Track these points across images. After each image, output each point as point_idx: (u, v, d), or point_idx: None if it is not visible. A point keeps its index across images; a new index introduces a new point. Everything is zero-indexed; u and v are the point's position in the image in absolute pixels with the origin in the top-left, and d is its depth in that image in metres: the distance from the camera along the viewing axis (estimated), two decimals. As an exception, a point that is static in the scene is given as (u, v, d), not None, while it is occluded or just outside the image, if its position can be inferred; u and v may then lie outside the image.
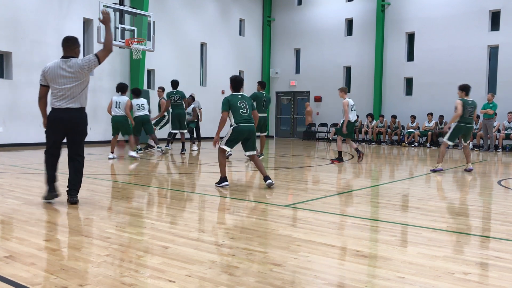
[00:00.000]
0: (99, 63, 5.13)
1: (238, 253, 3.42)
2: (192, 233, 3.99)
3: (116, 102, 10.39)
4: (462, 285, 2.83)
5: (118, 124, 10.43)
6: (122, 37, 13.88)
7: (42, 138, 14.03)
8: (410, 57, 19.19)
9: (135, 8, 14.87)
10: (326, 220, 4.65)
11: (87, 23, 15.34)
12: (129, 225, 4.30)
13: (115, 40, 13.74)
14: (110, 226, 4.22)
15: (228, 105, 6.62)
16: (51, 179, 5.21)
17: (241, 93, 6.90)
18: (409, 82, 19.26)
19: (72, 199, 5.13)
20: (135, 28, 14.37)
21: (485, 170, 9.92)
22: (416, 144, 17.48)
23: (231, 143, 6.75)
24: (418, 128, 17.85)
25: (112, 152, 10.57)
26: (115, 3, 13.97)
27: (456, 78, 17.64)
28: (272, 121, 23.46)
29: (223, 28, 20.63)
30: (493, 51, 17.26)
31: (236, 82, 6.93)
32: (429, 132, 17.20)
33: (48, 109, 5.23)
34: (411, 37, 19.14)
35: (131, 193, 6.25)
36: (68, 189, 5.19)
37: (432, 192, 6.64)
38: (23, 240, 3.67)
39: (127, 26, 14.20)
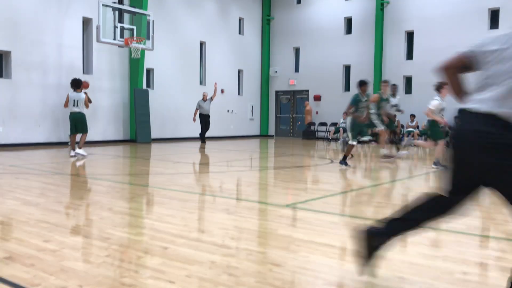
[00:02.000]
0: None
1: (238, 253, 3.41)
2: (192, 234, 3.98)
3: (74, 100, 10.36)
4: (462, 285, 2.83)
5: (77, 121, 10.39)
6: (121, 36, 13.87)
7: (42, 138, 13.88)
8: (410, 56, 19.18)
9: (134, 7, 14.87)
10: (326, 220, 4.65)
11: (86, 22, 15.31)
12: (129, 226, 4.30)
13: (114, 39, 13.74)
14: (110, 226, 4.21)
15: None
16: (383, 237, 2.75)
17: None
18: (408, 80, 19.25)
19: None
20: (134, 27, 14.36)
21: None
22: (415, 143, 17.47)
23: None
24: (418, 127, 17.83)
25: (73, 150, 10.55)
26: (114, 2, 13.97)
27: (456, 76, 17.70)
28: (271, 120, 23.47)
29: (222, 27, 20.61)
30: (493, 50, 17.23)
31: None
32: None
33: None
34: (410, 36, 19.13)
35: (131, 193, 6.25)
36: None
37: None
38: (22, 240, 3.67)
39: (126, 25, 14.19)
